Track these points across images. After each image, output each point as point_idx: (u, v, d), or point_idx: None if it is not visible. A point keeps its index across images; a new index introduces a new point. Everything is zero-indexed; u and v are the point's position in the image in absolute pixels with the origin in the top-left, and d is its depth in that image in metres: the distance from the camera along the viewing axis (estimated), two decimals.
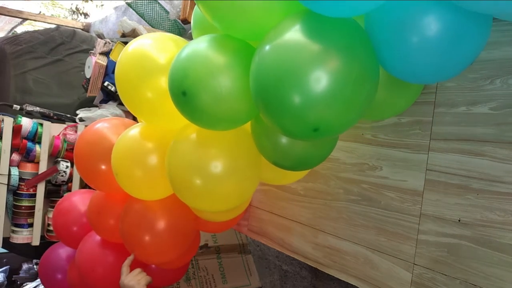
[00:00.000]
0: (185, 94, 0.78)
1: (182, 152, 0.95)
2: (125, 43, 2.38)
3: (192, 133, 0.96)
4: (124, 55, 0.99)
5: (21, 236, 2.15)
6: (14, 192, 2.14)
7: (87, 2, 5.27)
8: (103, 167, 1.23)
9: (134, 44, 0.99)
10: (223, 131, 0.94)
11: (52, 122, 2.24)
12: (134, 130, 1.13)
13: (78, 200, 1.58)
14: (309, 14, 0.66)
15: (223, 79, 0.77)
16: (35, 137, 2.15)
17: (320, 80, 0.61)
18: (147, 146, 1.09)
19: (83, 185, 2.25)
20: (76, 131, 2.28)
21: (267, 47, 0.66)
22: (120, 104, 2.45)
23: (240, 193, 1.00)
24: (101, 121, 1.32)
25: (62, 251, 1.66)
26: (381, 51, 0.67)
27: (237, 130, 0.97)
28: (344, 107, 0.65)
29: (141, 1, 2.47)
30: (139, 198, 1.20)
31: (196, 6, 0.99)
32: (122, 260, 1.27)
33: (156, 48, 0.97)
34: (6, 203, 2.09)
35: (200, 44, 0.80)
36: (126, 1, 2.62)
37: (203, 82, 0.77)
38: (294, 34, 0.64)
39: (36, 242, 2.17)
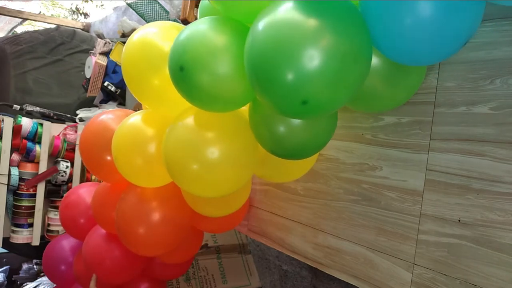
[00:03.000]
0: (182, 69, 0.80)
1: (178, 136, 0.97)
2: (125, 43, 2.38)
3: (188, 117, 0.98)
4: (130, 44, 1.02)
5: (21, 236, 2.15)
6: (14, 192, 2.14)
7: (87, 2, 5.27)
8: (108, 157, 1.25)
9: (139, 33, 1.02)
10: (220, 117, 0.96)
11: (52, 122, 2.24)
12: (134, 117, 1.15)
13: (85, 192, 1.60)
14: None
15: (220, 57, 0.79)
16: (35, 137, 2.15)
17: (309, 55, 0.64)
18: (147, 133, 1.11)
19: None
20: (76, 131, 2.28)
21: (260, 24, 0.69)
22: (120, 104, 2.45)
23: (235, 179, 1.01)
24: (105, 112, 1.35)
25: (65, 243, 1.68)
26: (375, 32, 0.68)
27: (234, 115, 0.98)
28: (332, 82, 0.66)
29: (141, 1, 2.47)
30: (138, 184, 1.21)
31: None
32: (129, 252, 1.28)
33: (161, 36, 1.00)
34: (6, 203, 2.10)
35: (200, 25, 0.83)
36: (126, 1, 2.62)
37: (201, 58, 0.79)
38: (285, 12, 0.67)
39: (36, 242, 2.17)
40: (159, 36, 1.00)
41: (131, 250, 1.27)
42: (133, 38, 1.02)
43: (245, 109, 0.99)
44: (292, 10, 0.66)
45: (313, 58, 0.63)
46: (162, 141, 1.04)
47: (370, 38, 0.69)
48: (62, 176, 2.19)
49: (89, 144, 1.30)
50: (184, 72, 0.80)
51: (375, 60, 0.82)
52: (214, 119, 0.96)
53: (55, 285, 1.79)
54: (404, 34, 0.63)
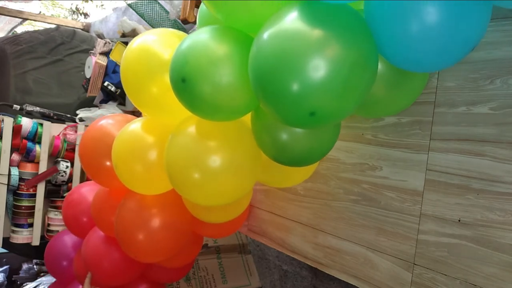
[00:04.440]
0: (184, 80, 0.79)
1: (180, 145, 0.96)
2: (125, 43, 2.38)
3: (191, 126, 0.97)
4: (129, 51, 1.01)
5: (21, 236, 2.15)
6: (14, 192, 2.14)
7: (87, 2, 5.27)
8: (107, 163, 1.24)
9: (139, 40, 1.01)
10: (222, 125, 0.95)
11: (52, 122, 2.24)
12: (135, 125, 1.14)
13: (87, 191, 1.61)
14: (306, 3, 0.67)
15: (223, 68, 0.78)
16: (35, 137, 2.15)
17: (317, 65, 0.63)
18: (147, 140, 1.10)
19: None
20: (76, 131, 2.28)
21: (265, 35, 0.68)
22: (120, 104, 2.45)
23: (238, 188, 1.00)
24: (105, 117, 1.34)
25: (68, 239, 1.69)
26: (381, 40, 0.67)
27: (236, 124, 0.97)
28: (341, 92, 0.65)
29: (141, 1, 2.47)
30: (137, 192, 1.20)
31: (201, 4, 1.01)
32: (128, 255, 1.28)
33: (160, 44, 0.99)
34: (6, 203, 2.09)
35: (201, 35, 0.82)
36: (126, 1, 2.62)
37: (203, 69, 0.78)
38: (290, 22, 0.66)
39: (36, 242, 2.17)
40: (158, 44, 0.99)
41: (131, 257, 1.27)
42: (132, 45, 1.01)
43: (247, 116, 0.98)
44: (297, 20, 0.65)
45: (320, 69, 0.62)
46: (162, 148, 1.03)
47: (375, 46, 0.68)
48: (62, 176, 2.19)
49: (89, 149, 1.30)
50: (186, 83, 0.79)
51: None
52: (216, 127, 0.95)
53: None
54: (410, 41, 0.62)
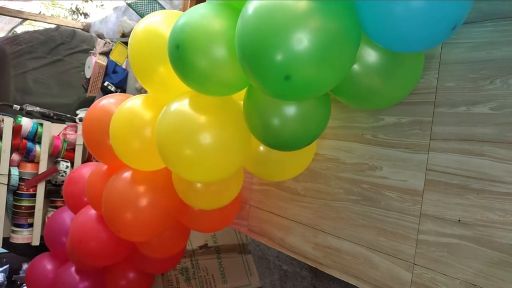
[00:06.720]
0: (178, 47, 0.83)
1: (171, 119, 0.99)
2: (125, 43, 2.38)
3: (184, 100, 1.00)
4: (136, 33, 1.06)
5: (21, 236, 2.15)
6: (14, 192, 2.14)
7: (87, 2, 5.27)
8: (108, 141, 1.27)
9: (145, 22, 1.06)
10: (215, 103, 0.98)
11: (52, 122, 2.24)
12: (132, 101, 1.18)
13: (87, 172, 1.65)
14: None
15: (216, 38, 0.82)
16: (35, 137, 2.15)
17: (294, 31, 0.66)
18: (143, 116, 1.14)
19: None
20: (76, 131, 2.28)
21: (249, 6, 0.72)
22: None
23: (224, 165, 1.03)
24: (107, 97, 1.39)
25: (66, 215, 1.74)
26: (363, 15, 0.69)
27: (229, 104, 1.00)
28: (317, 59, 0.68)
29: (141, 1, 2.47)
30: (133, 167, 1.24)
31: None
32: (113, 237, 1.31)
33: (166, 24, 1.03)
34: (6, 203, 2.10)
35: (199, 9, 0.87)
36: (126, 1, 2.62)
37: (196, 37, 0.82)
38: None
39: (36, 242, 2.17)
40: (164, 24, 1.03)
41: (114, 232, 1.29)
42: (138, 27, 1.05)
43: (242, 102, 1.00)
44: None
45: (297, 35, 0.66)
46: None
47: (357, 19, 0.70)
48: (62, 176, 2.19)
49: (92, 127, 1.34)
50: (179, 50, 0.83)
51: (371, 55, 0.83)
52: (210, 104, 0.98)
53: None
54: (390, 16, 0.65)
